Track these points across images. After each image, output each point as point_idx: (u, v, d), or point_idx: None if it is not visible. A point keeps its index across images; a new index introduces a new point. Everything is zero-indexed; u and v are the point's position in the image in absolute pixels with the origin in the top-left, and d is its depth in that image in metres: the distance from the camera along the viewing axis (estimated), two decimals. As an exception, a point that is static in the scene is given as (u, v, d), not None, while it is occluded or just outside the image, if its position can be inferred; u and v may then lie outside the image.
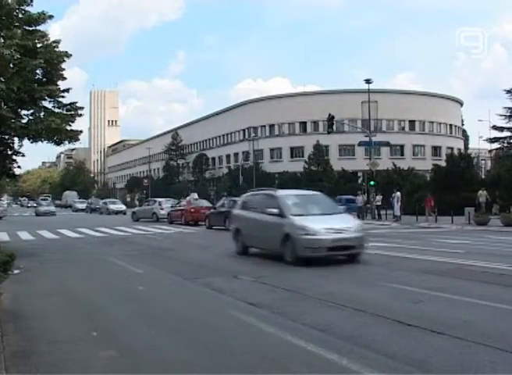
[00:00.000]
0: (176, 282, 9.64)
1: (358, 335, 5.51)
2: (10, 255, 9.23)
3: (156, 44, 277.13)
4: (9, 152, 16.46)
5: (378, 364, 4.57)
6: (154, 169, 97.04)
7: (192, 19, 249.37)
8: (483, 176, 47.51)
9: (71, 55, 15.66)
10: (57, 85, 15.73)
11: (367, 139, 35.72)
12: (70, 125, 16.12)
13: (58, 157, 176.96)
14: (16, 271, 10.36)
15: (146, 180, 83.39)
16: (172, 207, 32.15)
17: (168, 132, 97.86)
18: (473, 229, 23.26)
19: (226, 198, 30.04)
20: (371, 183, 32.97)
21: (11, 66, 13.91)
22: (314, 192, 14.68)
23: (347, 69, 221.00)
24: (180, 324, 6.35)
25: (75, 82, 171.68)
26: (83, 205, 60.14)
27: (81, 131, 17.40)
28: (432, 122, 72.18)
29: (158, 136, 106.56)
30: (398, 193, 31.05)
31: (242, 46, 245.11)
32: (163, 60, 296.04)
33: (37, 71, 15.17)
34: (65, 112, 16.12)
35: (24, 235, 21.93)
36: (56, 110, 16.03)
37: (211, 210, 26.72)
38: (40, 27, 15.11)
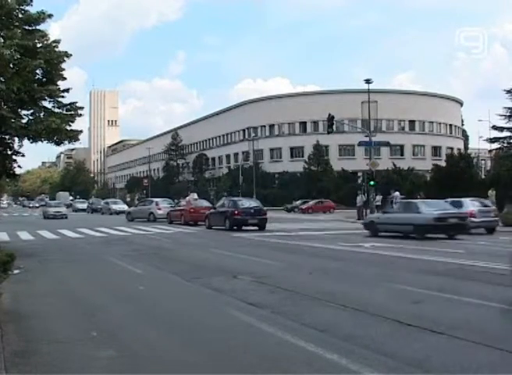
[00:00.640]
0: (176, 282, 9.64)
1: (358, 335, 5.51)
2: (10, 255, 9.25)
3: (156, 44, 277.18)
4: (9, 152, 16.46)
5: (378, 364, 4.56)
6: (154, 169, 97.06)
7: (192, 20, 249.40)
8: (483, 176, 47.52)
9: (71, 54, 15.67)
10: (57, 85, 15.74)
11: (367, 139, 35.72)
12: (70, 125, 16.13)
13: (58, 157, 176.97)
14: (15, 271, 10.36)
15: (146, 180, 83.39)
16: (171, 207, 32.24)
17: (168, 132, 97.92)
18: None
19: (226, 198, 30.05)
20: (371, 183, 32.96)
21: (11, 66, 13.92)
22: None
23: (347, 69, 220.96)
24: (180, 324, 6.35)
25: (75, 82, 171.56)
26: (83, 205, 60.11)
27: (81, 131, 17.41)
28: (432, 122, 72.25)
29: (157, 136, 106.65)
30: (397, 193, 31.05)
31: (242, 46, 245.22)
32: (163, 60, 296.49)
33: (37, 71, 15.18)
34: (65, 112, 16.12)
35: (24, 235, 21.93)
36: (56, 110, 16.03)
37: (211, 210, 26.71)
38: (40, 27, 15.14)
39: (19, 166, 17.34)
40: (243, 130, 76.59)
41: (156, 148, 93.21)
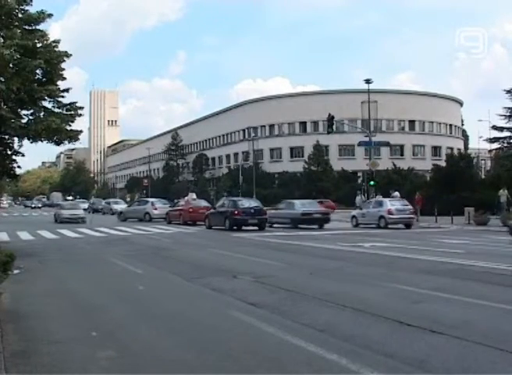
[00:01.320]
0: (176, 282, 9.64)
1: (358, 335, 5.51)
2: (10, 255, 9.23)
3: (156, 44, 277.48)
4: (9, 152, 16.46)
5: (378, 364, 4.56)
6: (154, 169, 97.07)
7: (192, 20, 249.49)
8: (483, 176, 47.55)
9: (71, 54, 15.67)
10: (57, 85, 15.73)
11: (367, 139, 35.73)
12: (70, 125, 16.13)
13: (58, 157, 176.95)
14: (15, 271, 10.36)
15: (146, 180, 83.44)
16: (168, 207, 32.40)
17: (168, 132, 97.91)
18: (473, 229, 23.29)
19: (226, 198, 30.05)
20: (371, 183, 32.98)
21: (11, 66, 13.92)
22: None
23: (347, 69, 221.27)
24: (180, 324, 6.35)
25: (75, 82, 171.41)
26: (84, 206, 60.06)
27: (81, 131, 17.40)
28: (432, 122, 72.23)
29: (157, 136, 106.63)
30: (397, 193, 31.06)
31: (242, 46, 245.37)
32: (163, 60, 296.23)
33: (37, 71, 15.17)
34: (65, 112, 16.11)
35: (24, 235, 21.92)
36: (56, 110, 16.03)
37: (211, 210, 26.71)
38: (40, 27, 15.14)
39: (18, 167, 17.38)
40: (243, 130, 76.55)
41: (156, 148, 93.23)
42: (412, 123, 70.83)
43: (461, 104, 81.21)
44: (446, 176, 36.31)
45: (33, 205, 79.76)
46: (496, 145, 49.56)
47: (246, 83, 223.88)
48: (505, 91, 44.12)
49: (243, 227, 23.52)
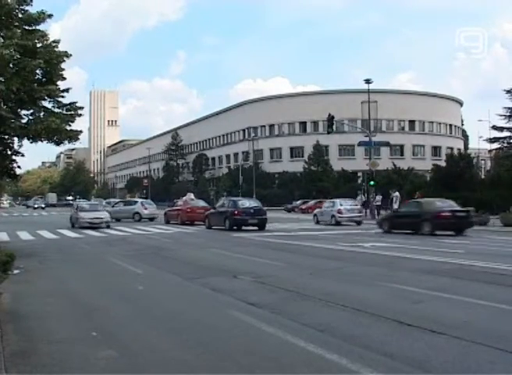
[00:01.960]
0: (176, 282, 9.63)
1: (358, 335, 5.51)
2: (10, 255, 9.26)
3: (156, 44, 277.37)
4: (9, 152, 16.46)
5: (378, 364, 4.56)
6: (154, 169, 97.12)
7: (192, 20, 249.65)
8: (483, 176, 47.52)
9: (71, 55, 15.67)
10: (57, 85, 15.73)
11: (367, 139, 35.76)
12: (70, 125, 16.13)
13: (58, 157, 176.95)
14: (15, 271, 10.36)
15: (146, 180, 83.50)
16: (168, 207, 32.96)
17: (168, 132, 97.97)
18: (473, 229, 23.24)
19: (226, 198, 30.06)
20: (371, 183, 32.99)
21: (10, 66, 13.92)
22: None
23: (347, 69, 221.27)
24: (180, 324, 6.34)
25: (75, 82, 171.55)
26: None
27: (81, 131, 17.40)
28: (432, 122, 72.25)
29: (157, 136, 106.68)
30: (397, 193, 31.07)
31: (242, 46, 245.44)
32: (163, 60, 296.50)
33: (37, 71, 15.17)
34: (65, 112, 16.11)
35: (24, 235, 21.92)
36: (56, 110, 16.03)
37: (211, 210, 26.71)
38: (40, 27, 15.15)
39: (18, 167, 17.36)
40: (243, 130, 76.60)
41: (156, 148, 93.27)
42: (412, 123, 70.85)
43: (461, 104, 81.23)
44: (446, 176, 36.29)
45: (35, 206, 75.83)
46: (495, 145, 49.65)
47: (246, 83, 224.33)
48: (505, 91, 44.21)
49: (243, 227, 23.51)
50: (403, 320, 6.05)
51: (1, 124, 14.70)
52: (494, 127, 46.35)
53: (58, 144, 16.61)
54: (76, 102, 16.53)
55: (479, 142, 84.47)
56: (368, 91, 36.20)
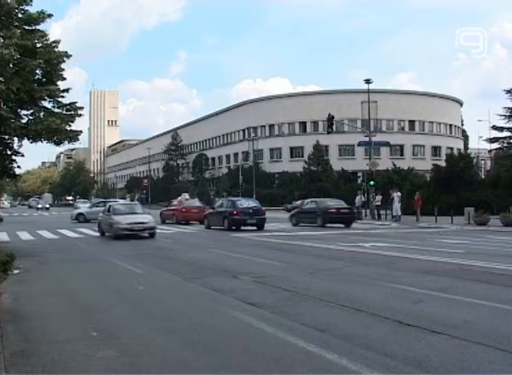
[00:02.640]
0: (176, 282, 9.64)
1: (358, 335, 5.51)
2: (10, 255, 9.25)
3: (157, 44, 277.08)
4: (9, 152, 16.46)
5: (378, 364, 4.56)
6: (154, 169, 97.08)
7: (192, 20, 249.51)
8: (483, 176, 47.52)
9: (71, 55, 15.69)
10: (57, 85, 15.75)
11: (366, 139, 35.73)
12: (70, 125, 16.16)
13: (58, 157, 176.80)
14: (15, 271, 10.36)
15: (146, 180, 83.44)
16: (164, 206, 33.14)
17: (168, 132, 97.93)
18: (473, 229, 23.27)
19: (225, 198, 30.09)
20: (371, 183, 32.96)
21: (10, 66, 13.92)
22: None
23: (347, 69, 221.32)
24: (180, 324, 6.34)
25: (75, 82, 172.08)
26: (85, 206, 59.75)
27: (81, 131, 17.43)
28: (432, 122, 72.22)
29: (157, 136, 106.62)
30: (398, 193, 31.05)
31: (242, 46, 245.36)
32: (164, 60, 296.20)
33: (37, 71, 15.18)
34: (64, 112, 16.13)
35: (24, 235, 21.92)
36: (56, 110, 16.05)
37: (210, 210, 26.72)
38: (40, 27, 15.18)
39: (18, 167, 17.37)
40: (243, 130, 76.56)
41: (156, 148, 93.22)
42: (412, 123, 70.81)
43: (461, 104, 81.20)
44: (446, 176, 36.30)
45: (39, 206, 71.49)
46: (495, 145, 49.61)
47: (246, 84, 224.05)
48: (505, 91, 44.17)
49: (242, 227, 23.51)
50: (403, 320, 6.05)
51: (1, 124, 14.72)
52: (494, 127, 46.33)
53: (58, 144, 16.63)
54: (76, 102, 16.58)
55: (479, 142, 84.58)
56: (368, 91, 36.19)
